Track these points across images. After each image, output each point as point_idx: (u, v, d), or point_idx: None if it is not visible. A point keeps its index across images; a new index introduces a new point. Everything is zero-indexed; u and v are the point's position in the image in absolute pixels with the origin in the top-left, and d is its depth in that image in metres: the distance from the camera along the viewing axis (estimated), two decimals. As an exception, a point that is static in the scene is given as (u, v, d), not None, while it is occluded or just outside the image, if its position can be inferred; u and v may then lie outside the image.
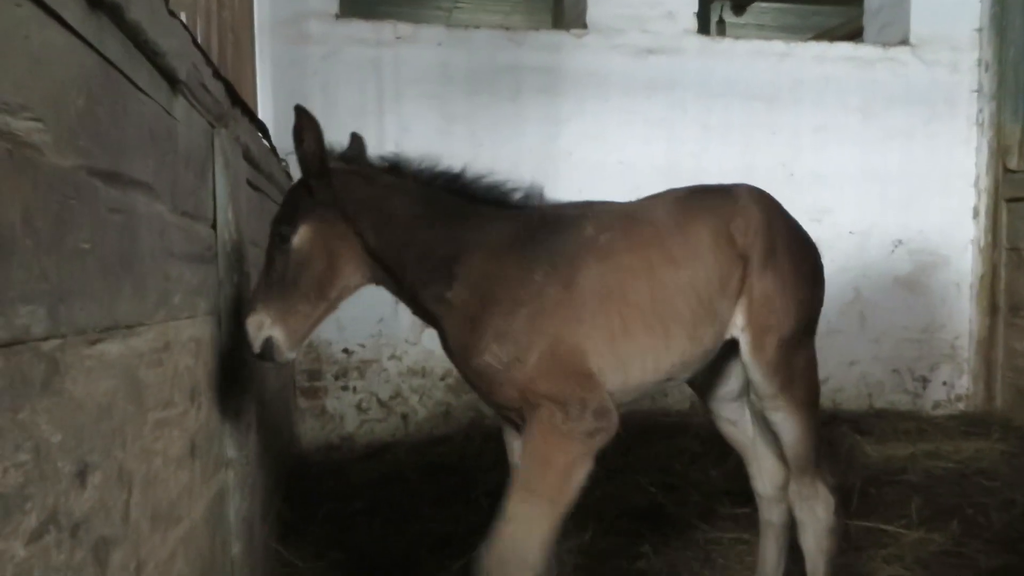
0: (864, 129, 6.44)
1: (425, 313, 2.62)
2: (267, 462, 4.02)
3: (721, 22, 13.69)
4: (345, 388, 6.05)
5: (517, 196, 2.56)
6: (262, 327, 2.53)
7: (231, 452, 3.19)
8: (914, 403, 6.46)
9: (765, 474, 2.86)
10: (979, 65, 6.49)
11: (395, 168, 2.66)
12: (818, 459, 2.65)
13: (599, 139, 6.23)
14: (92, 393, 1.70)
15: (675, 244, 2.45)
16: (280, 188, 5.50)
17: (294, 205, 2.56)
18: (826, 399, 6.23)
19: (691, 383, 2.97)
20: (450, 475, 5.06)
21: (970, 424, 5.67)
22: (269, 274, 2.56)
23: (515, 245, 2.42)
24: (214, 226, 3.07)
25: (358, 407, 6.08)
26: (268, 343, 2.54)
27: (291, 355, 2.58)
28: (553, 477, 2.24)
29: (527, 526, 2.26)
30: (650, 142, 6.30)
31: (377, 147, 6.01)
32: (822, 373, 6.28)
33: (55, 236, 1.56)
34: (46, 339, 1.47)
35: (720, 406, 2.91)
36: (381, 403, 6.10)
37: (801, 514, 2.67)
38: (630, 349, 2.35)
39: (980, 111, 6.51)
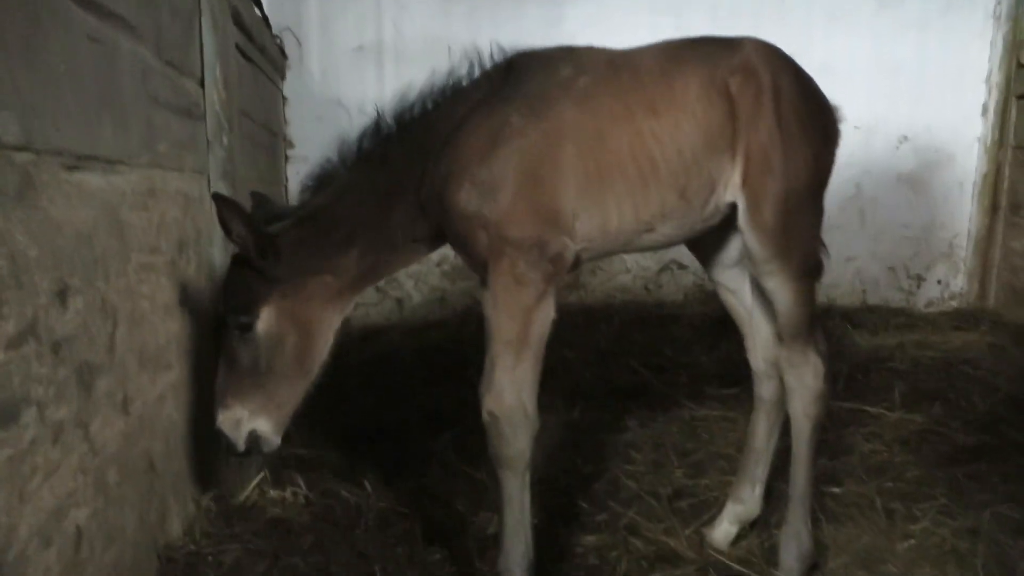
0: (878, 19, 6.23)
1: (432, 242, 2.57)
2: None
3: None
4: (341, 272, 6.05)
5: (472, 72, 2.49)
6: (240, 423, 2.38)
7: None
8: (907, 300, 6.47)
9: (759, 347, 2.85)
10: (1001, -45, 6.24)
11: (321, 179, 2.52)
12: (812, 328, 2.64)
13: (603, 25, 6.05)
14: (71, 219, 1.69)
15: (658, 93, 2.38)
16: (274, 65, 5.40)
17: (245, 290, 2.36)
18: (820, 294, 6.24)
19: (695, 251, 2.92)
20: (444, 357, 5.12)
21: (961, 320, 5.69)
22: (233, 367, 2.37)
23: (487, 99, 2.38)
24: (202, 84, 3.01)
25: (354, 290, 6.10)
26: (253, 437, 2.41)
27: (278, 440, 2.46)
28: (519, 323, 2.31)
29: (511, 373, 2.33)
30: (657, 29, 5.99)
31: (375, 27, 5.88)
32: (818, 268, 6.33)
33: (27, 51, 1.52)
34: (19, 150, 1.45)
35: (720, 273, 2.87)
36: (376, 287, 6.12)
37: (790, 380, 2.67)
38: (606, 193, 2.34)
39: (998, 3, 6.28)
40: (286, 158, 5.80)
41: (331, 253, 2.42)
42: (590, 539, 2.92)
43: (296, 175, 5.66)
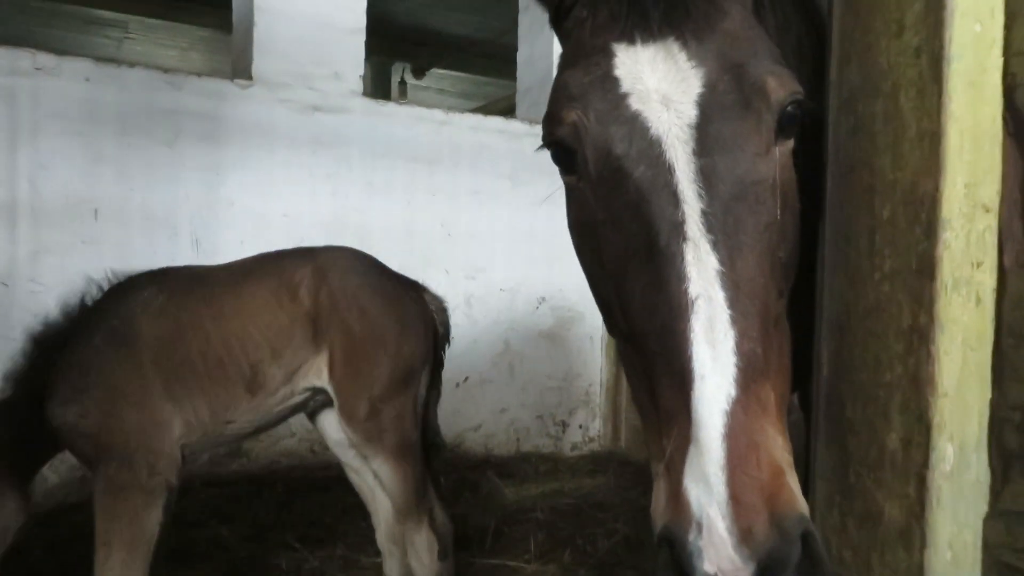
0: (514, 195, 7.08)
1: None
2: None
3: (403, 83, 14.30)
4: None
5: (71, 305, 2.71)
6: None
7: None
8: (555, 445, 7.12)
9: (382, 525, 3.01)
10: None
11: None
12: (421, 504, 2.84)
13: (264, 191, 6.19)
14: None
15: (226, 303, 2.67)
16: None
17: None
18: (479, 445, 6.67)
19: (323, 434, 3.06)
20: (82, 545, 4.63)
21: (596, 462, 6.39)
22: None
23: (78, 327, 2.60)
24: None
25: (-28, 476, 5.34)
26: None
27: None
28: (126, 529, 2.40)
29: None
30: (316, 196, 6.39)
31: (8, 185, 5.48)
32: (476, 420, 6.78)
33: None
34: None
35: (342, 452, 3.05)
36: None
37: (411, 560, 2.84)
38: (184, 396, 2.54)
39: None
40: None
41: None
42: None
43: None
